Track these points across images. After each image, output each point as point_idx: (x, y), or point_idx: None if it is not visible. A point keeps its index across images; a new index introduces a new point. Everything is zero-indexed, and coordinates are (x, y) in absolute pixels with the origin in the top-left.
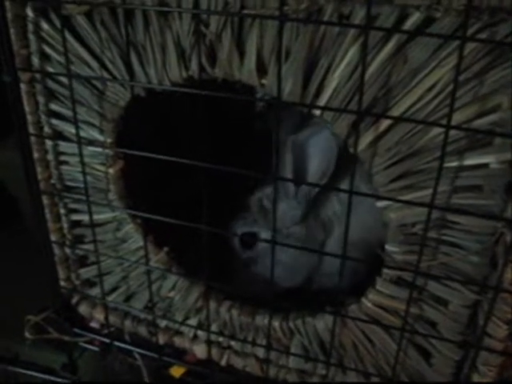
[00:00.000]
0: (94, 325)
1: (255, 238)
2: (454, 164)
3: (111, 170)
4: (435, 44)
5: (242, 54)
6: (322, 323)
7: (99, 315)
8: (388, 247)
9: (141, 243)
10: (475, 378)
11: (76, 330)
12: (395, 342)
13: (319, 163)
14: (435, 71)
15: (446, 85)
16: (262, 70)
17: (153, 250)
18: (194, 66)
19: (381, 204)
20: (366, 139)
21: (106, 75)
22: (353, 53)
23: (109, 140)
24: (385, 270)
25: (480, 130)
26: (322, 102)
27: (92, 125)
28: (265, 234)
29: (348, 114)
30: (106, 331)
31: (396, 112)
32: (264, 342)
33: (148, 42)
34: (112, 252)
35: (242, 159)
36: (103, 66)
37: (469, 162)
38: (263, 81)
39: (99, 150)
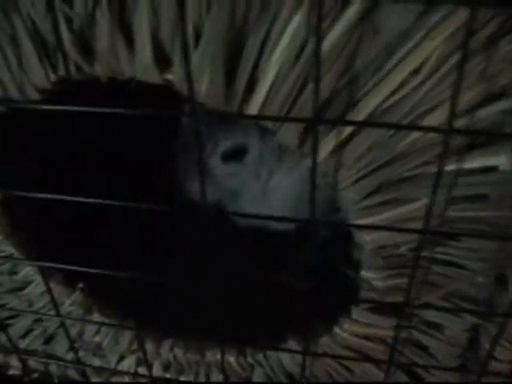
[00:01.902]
0: (14, 372)
1: (243, 150)
2: (450, 168)
3: None
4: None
5: (130, 41)
6: (288, 357)
7: (16, 362)
8: (364, 273)
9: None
10: None
11: None
12: (380, 369)
13: None
14: (422, 45)
15: (438, 64)
16: (163, 60)
17: (64, 291)
18: (62, 64)
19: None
20: (325, 148)
21: None
22: (297, 23)
23: None
24: (362, 299)
25: (493, 133)
26: (257, 101)
27: None
28: (255, 148)
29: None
30: (26, 379)
31: (367, 107)
32: (220, 378)
33: None
34: (13, 297)
35: None
36: None
37: (470, 164)
38: (168, 76)
39: None
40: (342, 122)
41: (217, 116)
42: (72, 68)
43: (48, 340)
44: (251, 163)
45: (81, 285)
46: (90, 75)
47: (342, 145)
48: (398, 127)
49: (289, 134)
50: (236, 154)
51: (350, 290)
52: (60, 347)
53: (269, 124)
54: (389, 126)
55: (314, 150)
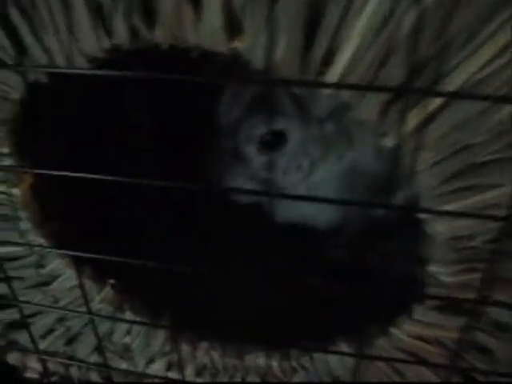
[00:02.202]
0: (31, 375)
1: (282, 137)
2: None
3: (16, 191)
4: None
5: (196, 4)
6: (336, 359)
7: (34, 364)
8: (432, 268)
9: (76, 281)
10: None
11: None
12: (435, 373)
13: None
14: None
15: None
16: (231, 27)
17: (94, 287)
18: (120, 29)
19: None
20: (408, 124)
21: None
22: None
23: (4, 150)
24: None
25: None
26: (336, 72)
27: None
28: (297, 131)
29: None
30: (45, 382)
31: (457, 80)
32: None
33: None
34: (38, 292)
35: None
36: None
37: None
38: (236, 44)
39: None
40: (433, 92)
41: (293, 85)
42: (129, 34)
43: (70, 340)
44: (291, 153)
45: (112, 280)
46: (149, 42)
47: (426, 122)
48: (498, 100)
49: (368, 108)
50: (274, 143)
51: (412, 287)
52: (83, 348)
53: (346, 97)
54: (489, 98)
55: (401, 123)
